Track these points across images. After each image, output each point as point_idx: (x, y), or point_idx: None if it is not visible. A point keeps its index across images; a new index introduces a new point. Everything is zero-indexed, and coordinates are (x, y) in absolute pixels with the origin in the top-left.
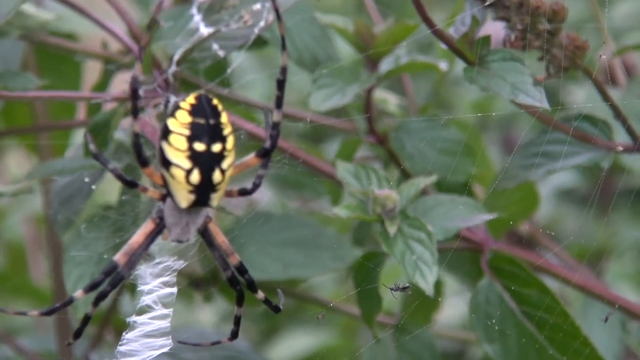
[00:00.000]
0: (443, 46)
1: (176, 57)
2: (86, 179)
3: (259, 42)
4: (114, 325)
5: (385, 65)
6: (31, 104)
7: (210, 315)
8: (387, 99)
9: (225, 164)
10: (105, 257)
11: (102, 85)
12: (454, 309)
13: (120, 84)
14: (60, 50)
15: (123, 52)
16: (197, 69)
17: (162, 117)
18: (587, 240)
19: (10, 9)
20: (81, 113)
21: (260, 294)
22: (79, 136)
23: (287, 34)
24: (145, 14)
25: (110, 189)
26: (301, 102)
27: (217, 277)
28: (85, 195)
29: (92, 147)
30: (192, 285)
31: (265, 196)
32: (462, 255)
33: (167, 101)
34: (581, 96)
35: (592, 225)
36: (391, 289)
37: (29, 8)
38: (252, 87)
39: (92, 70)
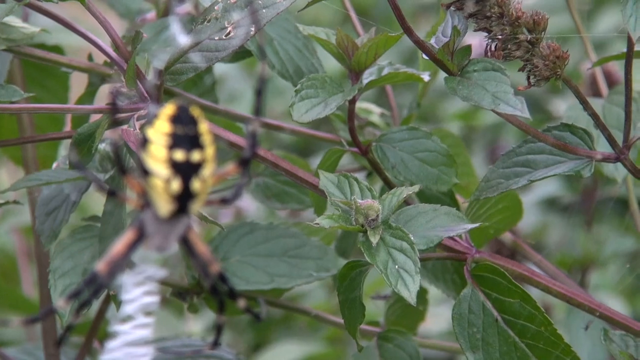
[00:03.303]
0: (424, 57)
1: (158, 69)
2: (66, 191)
3: (243, 54)
4: (102, 334)
5: (368, 77)
6: (18, 116)
7: (201, 325)
8: (371, 109)
9: (205, 173)
10: (90, 267)
11: (88, 97)
12: (440, 318)
13: (106, 95)
14: (47, 63)
15: (108, 65)
16: (180, 80)
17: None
18: (571, 248)
19: None
20: (69, 125)
21: (241, 303)
22: (66, 148)
23: (270, 45)
24: (130, 26)
25: (97, 200)
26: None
27: (203, 287)
28: (70, 206)
29: (72, 157)
30: (176, 295)
31: (252, 206)
32: (446, 264)
33: (148, 111)
34: (564, 106)
35: (577, 233)
36: (372, 297)
37: (14, 20)
38: (240, 97)
39: (81, 83)
